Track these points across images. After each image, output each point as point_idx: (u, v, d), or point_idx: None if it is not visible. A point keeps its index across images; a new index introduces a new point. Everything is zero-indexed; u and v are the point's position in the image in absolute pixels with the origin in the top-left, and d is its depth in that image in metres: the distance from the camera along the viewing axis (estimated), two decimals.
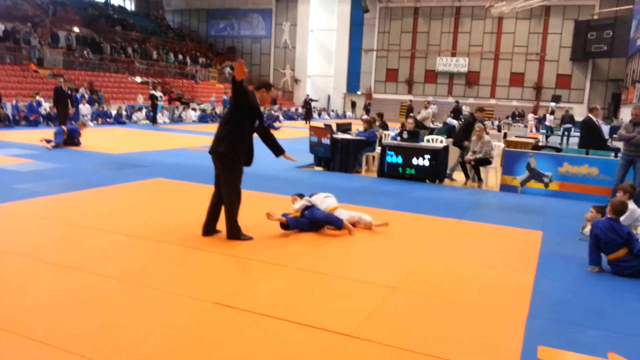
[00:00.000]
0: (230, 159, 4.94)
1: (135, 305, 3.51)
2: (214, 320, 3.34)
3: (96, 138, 13.79)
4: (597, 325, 3.55)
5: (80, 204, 6.41)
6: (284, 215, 5.47)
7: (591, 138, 10.01)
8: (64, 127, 12.20)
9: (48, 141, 11.63)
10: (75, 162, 9.69)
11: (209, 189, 5.27)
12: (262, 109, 5.23)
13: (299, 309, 3.56)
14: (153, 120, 21.13)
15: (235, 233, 5.07)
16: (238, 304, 3.55)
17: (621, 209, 4.80)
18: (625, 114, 22.97)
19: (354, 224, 5.65)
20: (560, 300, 4.01)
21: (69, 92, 14.35)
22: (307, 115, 28.44)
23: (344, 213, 5.70)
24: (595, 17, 31.44)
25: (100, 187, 7.44)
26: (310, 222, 5.51)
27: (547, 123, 25.13)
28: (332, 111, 38.08)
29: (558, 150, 9.75)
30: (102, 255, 4.48)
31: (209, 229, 5.18)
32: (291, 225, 5.42)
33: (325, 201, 5.80)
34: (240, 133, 4.93)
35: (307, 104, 28.69)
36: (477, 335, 3.33)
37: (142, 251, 4.66)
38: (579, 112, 27.80)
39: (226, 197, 5.02)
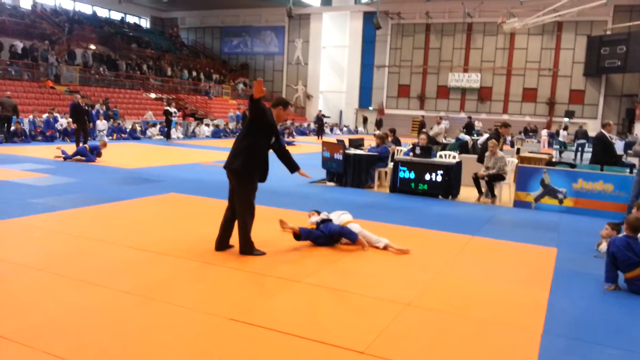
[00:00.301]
0: (245, 175, 4.99)
1: (150, 320, 3.53)
2: (229, 336, 3.34)
3: (111, 153, 13.94)
4: (615, 345, 3.50)
5: (95, 218, 6.49)
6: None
7: (605, 154, 9.94)
8: (86, 146, 12.46)
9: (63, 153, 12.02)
10: (91, 177, 9.82)
11: (222, 204, 5.32)
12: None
13: (312, 325, 3.55)
14: (167, 135, 21.38)
15: (248, 248, 5.10)
16: (252, 320, 3.56)
17: (638, 225, 4.74)
18: None
19: (369, 243, 5.61)
20: (576, 317, 3.96)
21: (86, 107, 14.47)
22: (320, 131, 28.57)
23: (356, 227, 5.69)
24: (608, 32, 31.34)
25: (115, 202, 7.52)
26: (324, 234, 5.52)
27: (560, 139, 24.98)
28: (345, 127, 38.20)
29: (572, 166, 9.67)
30: (117, 269, 4.52)
31: (222, 243, 5.22)
32: (303, 235, 5.44)
33: (341, 217, 5.82)
34: (255, 149, 4.98)
35: (319, 119, 28.84)
36: (491, 353, 3.30)
37: (156, 266, 4.69)
38: (593, 128, 27.59)
39: (240, 213, 5.05)
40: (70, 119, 18.92)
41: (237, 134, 6.18)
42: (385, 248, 5.52)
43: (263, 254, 5.12)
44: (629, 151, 11.06)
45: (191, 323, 3.49)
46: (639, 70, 29.32)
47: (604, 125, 10.60)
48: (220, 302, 3.92)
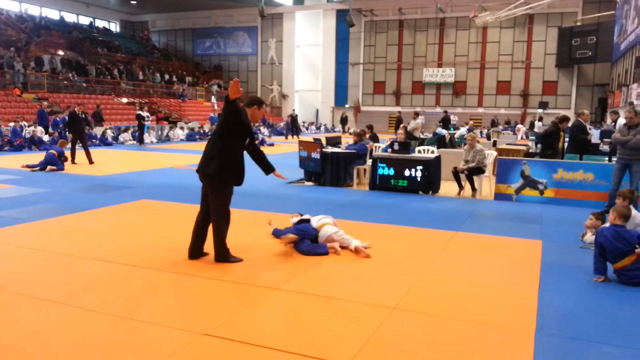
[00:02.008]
0: (220, 179, 4.72)
1: (116, 340, 3.25)
2: (203, 353, 3.08)
3: (81, 160, 13.46)
4: (610, 341, 3.34)
5: (62, 230, 6.14)
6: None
7: (582, 142, 9.86)
8: (54, 152, 11.94)
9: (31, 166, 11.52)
10: (58, 186, 9.41)
11: (196, 209, 5.04)
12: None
13: (292, 337, 3.32)
14: (140, 140, 20.88)
15: (223, 255, 4.84)
16: (228, 334, 3.31)
17: (627, 213, 4.64)
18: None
19: (343, 247, 5.36)
20: (568, 314, 3.80)
21: (83, 116, 13.55)
22: (292, 131, 28.29)
23: (332, 228, 5.47)
24: (579, 23, 31.77)
25: (83, 212, 7.17)
26: (297, 230, 5.38)
27: (535, 130, 25.17)
28: (322, 125, 38.00)
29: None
30: (83, 285, 4.21)
31: (196, 251, 4.94)
32: (275, 233, 5.53)
33: (321, 220, 5.61)
34: (230, 152, 4.71)
35: (293, 119, 28.62)
36: (485, 357, 3.11)
37: (125, 280, 4.40)
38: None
39: (215, 219, 4.79)
40: (39, 128, 18.46)
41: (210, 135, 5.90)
42: (355, 250, 5.23)
43: (240, 260, 4.87)
44: (605, 140, 11.04)
45: (161, 341, 3.22)
46: (610, 60, 29.77)
47: (579, 114, 10.57)
48: (193, 315, 3.65)
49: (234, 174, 4.78)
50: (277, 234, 5.67)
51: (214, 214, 4.78)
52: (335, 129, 36.55)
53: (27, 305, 3.77)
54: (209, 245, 4.92)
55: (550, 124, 10.04)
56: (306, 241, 5.30)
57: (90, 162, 12.96)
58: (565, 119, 9.69)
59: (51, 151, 12.01)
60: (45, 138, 18.24)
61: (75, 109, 13.49)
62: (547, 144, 9.58)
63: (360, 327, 3.48)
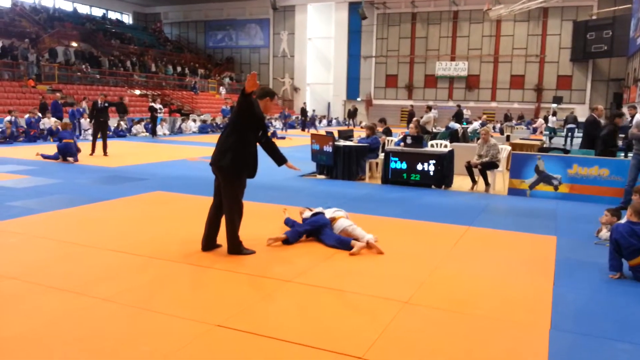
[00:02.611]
0: (233, 172, 4.72)
1: (130, 330, 3.28)
2: (215, 345, 3.10)
3: (95, 152, 13.62)
4: (624, 338, 3.31)
5: (76, 221, 6.20)
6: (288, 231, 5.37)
7: (593, 136, 9.68)
8: (70, 140, 12.04)
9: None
10: (72, 177, 9.49)
11: (209, 201, 5.05)
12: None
13: (305, 329, 3.32)
14: (152, 132, 21.02)
15: (236, 247, 4.85)
16: (241, 326, 3.32)
17: None
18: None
19: (356, 237, 5.27)
20: (583, 310, 3.76)
21: (106, 105, 13.38)
22: (304, 124, 28.28)
23: (346, 222, 5.44)
24: (594, 17, 31.31)
25: (97, 203, 7.23)
26: (311, 227, 5.35)
27: (549, 124, 24.94)
28: (334, 119, 37.91)
29: (566, 151, 9.52)
30: (98, 275, 4.25)
31: (209, 243, 4.96)
32: (291, 238, 5.23)
33: (335, 213, 5.59)
34: (243, 145, 4.71)
35: (303, 112, 28.61)
36: (500, 354, 3.09)
37: (139, 270, 4.43)
38: (581, 113, 27.54)
39: (227, 211, 4.80)
40: (54, 119, 18.62)
41: (222, 128, 5.89)
42: (368, 245, 5.12)
43: (252, 252, 4.88)
44: (621, 135, 10.89)
45: (174, 331, 3.24)
46: (626, 54, 29.31)
47: (593, 109, 10.43)
48: (206, 307, 3.66)
49: (248, 167, 4.79)
50: (288, 223, 5.69)
51: (227, 206, 4.79)
52: (346, 122, 36.51)
53: (41, 295, 3.81)
54: (222, 237, 4.94)
55: (607, 121, 9.81)
56: (328, 233, 5.29)
57: (105, 153, 13.02)
58: (620, 114, 9.39)
59: (66, 140, 12.02)
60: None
61: (98, 99, 13.32)
62: (609, 142, 9.25)
63: (373, 320, 3.48)
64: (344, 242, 5.13)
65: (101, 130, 13.16)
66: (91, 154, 12.89)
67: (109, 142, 13.72)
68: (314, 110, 30.82)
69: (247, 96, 4.54)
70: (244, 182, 4.86)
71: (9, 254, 4.80)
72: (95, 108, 13.22)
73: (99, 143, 13.16)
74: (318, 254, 4.98)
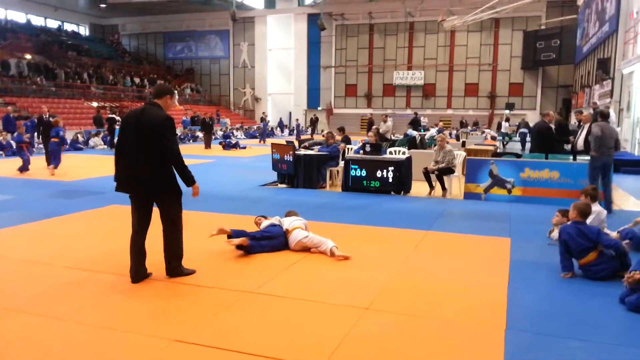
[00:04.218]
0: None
1: (87, 349, 3.19)
2: None
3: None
4: (577, 336, 3.44)
5: (30, 238, 5.98)
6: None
7: (547, 143, 10.06)
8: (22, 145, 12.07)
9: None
10: (27, 192, 9.17)
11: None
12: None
13: (266, 340, 3.31)
14: (111, 144, 20.52)
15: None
16: (200, 340, 3.28)
17: (587, 210, 4.78)
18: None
19: (315, 247, 5.34)
20: (536, 310, 3.89)
21: (50, 120, 13.63)
22: (263, 134, 28.19)
23: (301, 233, 5.44)
24: (543, 27, 32.63)
25: (52, 218, 7.01)
26: (267, 235, 5.35)
27: (502, 130, 25.70)
28: (297, 127, 37.86)
29: (518, 156, 9.85)
30: (50, 293, 4.12)
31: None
32: (234, 234, 5.16)
33: (292, 223, 5.59)
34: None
35: (263, 122, 28.55)
36: (457, 355, 3.16)
37: (93, 286, 4.31)
38: (532, 119, 28.47)
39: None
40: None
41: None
42: (331, 254, 5.19)
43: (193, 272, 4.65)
44: (571, 138, 11.30)
45: (132, 349, 3.17)
46: (573, 62, 30.64)
47: (544, 115, 10.80)
48: (164, 322, 3.60)
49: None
50: (236, 234, 5.33)
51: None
52: (307, 131, 36.56)
53: None
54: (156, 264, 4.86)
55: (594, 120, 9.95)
56: (265, 242, 5.30)
57: (49, 165, 12.70)
58: (603, 115, 9.40)
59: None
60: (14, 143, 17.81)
61: (43, 113, 13.65)
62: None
63: (334, 328, 3.50)
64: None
65: (44, 143, 13.52)
66: (48, 167, 12.65)
67: (66, 154, 13.54)
68: (268, 121, 30.39)
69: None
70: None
71: None
72: (42, 123, 13.54)
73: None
74: (277, 264, 4.97)
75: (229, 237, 5.16)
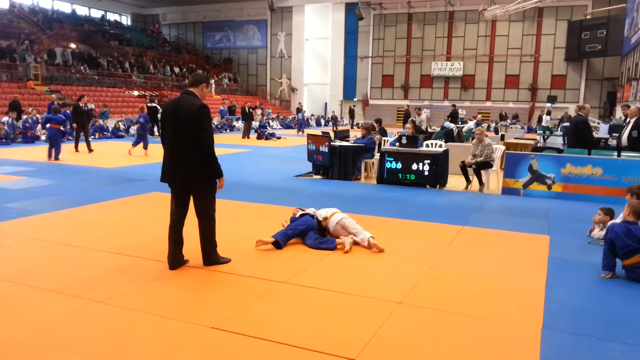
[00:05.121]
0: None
1: (125, 333, 3.30)
2: (211, 347, 3.12)
3: (93, 153, 13.67)
4: (617, 338, 3.34)
5: (72, 222, 6.22)
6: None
7: (584, 136, 9.71)
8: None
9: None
10: (70, 178, 9.51)
11: None
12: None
13: (299, 331, 3.35)
14: (151, 132, 21.00)
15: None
16: (235, 328, 3.35)
17: None
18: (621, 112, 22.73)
19: (356, 243, 5.30)
20: (575, 310, 3.80)
21: (86, 108, 14.84)
22: (302, 125, 28.28)
23: (339, 215, 5.44)
24: (588, 16, 31.44)
25: (94, 204, 7.25)
26: (296, 230, 5.32)
27: (543, 124, 25.01)
28: (331, 118, 37.85)
29: (560, 151, 9.57)
30: (92, 278, 4.27)
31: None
32: (281, 240, 5.16)
33: (330, 211, 5.59)
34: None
35: (300, 112, 28.66)
36: (492, 354, 3.12)
37: (135, 272, 4.45)
38: (575, 112, 27.71)
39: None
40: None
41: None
42: (368, 244, 5.20)
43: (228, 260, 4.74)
44: (615, 134, 10.90)
45: (170, 333, 3.27)
46: (620, 54, 29.43)
47: (579, 108, 10.42)
48: (201, 309, 3.69)
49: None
50: (281, 238, 5.33)
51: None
52: (344, 122, 36.47)
53: (36, 297, 3.83)
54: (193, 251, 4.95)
55: None
56: (310, 233, 5.31)
57: (90, 150, 14.14)
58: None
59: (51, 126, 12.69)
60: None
61: (80, 102, 14.56)
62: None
63: (366, 322, 3.51)
64: (325, 242, 5.19)
65: (84, 130, 14.47)
66: (76, 151, 14.08)
67: (107, 142, 14.05)
68: (304, 112, 30.49)
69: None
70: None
71: (5, 256, 4.82)
72: (78, 111, 14.39)
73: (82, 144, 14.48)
74: (311, 255, 5.01)
75: (276, 244, 5.14)
